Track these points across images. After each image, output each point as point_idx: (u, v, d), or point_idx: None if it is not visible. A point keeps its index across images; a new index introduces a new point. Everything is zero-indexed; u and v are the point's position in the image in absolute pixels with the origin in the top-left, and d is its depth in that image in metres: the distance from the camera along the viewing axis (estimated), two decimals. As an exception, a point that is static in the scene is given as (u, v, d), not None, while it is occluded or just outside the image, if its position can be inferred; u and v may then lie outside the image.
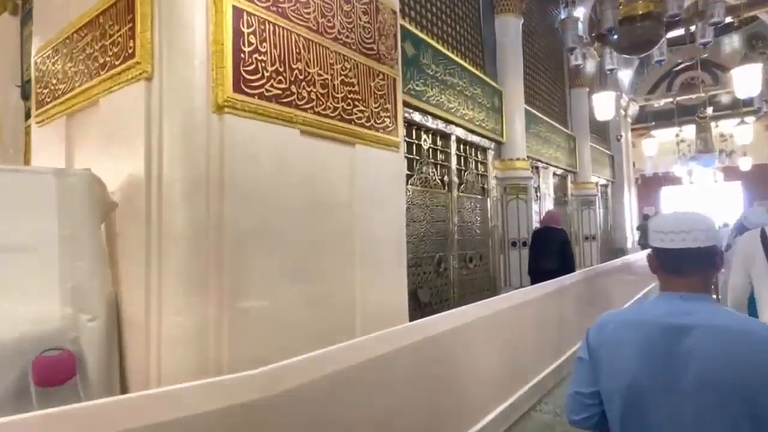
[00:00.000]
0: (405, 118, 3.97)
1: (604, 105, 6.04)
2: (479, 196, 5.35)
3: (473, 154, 5.32)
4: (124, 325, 2.17)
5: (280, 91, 2.37)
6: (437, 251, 4.43)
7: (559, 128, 8.00)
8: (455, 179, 4.76)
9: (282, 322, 2.30)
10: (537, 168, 7.21)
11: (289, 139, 2.43)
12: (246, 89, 2.20)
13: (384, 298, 3.06)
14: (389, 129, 3.19)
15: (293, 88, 2.44)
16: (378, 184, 3.07)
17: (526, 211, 5.70)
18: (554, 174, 8.00)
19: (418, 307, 4.06)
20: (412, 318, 3.93)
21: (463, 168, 5.07)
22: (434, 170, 4.51)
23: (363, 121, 2.94)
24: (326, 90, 2.66)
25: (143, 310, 2.04)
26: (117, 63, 2.22)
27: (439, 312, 4.30)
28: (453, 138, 4.75)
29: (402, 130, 3.37)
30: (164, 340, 1.99)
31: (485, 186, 5.48)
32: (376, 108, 3.07)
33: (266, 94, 2.30)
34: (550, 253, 4.89)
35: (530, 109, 6.77)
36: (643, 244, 11.34)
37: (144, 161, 2.07)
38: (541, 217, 5.63)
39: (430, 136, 4.49)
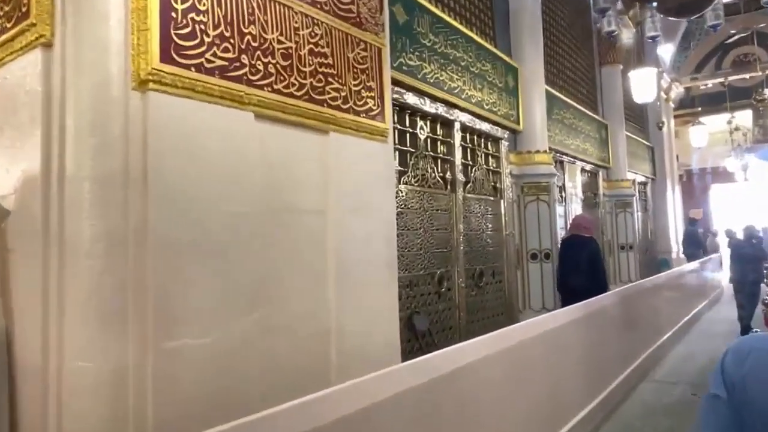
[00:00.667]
0: (395, 100, 3.79)
1: (643, 84, 5.88)
2: (491, 198, 5.17)
3: (483, 146, 5.14)
4: (17, 369, 1.95)
5: (226, 63, 2.18)
6: (438, 267, 4.23)
7: (587, 114, 7.86)
8: (460, 177, 4.58)
9: (230, 363, 2.10)
10: (561, 163, 7.05)
11: (240, 124, 2.25)
12: (179, 59, 2.01)
13: (368, 327, 2.87)
14: (373, 113, 3.01)
15: (244, 59, 2.26)
16: (359, 182, 2.89)
17: (548, 216, 5.52)
18: (582, 170, 7.85)
19: (414, 338, 3.86)
20: (406, 351, 3.75)
21: (470, 163, 4.89)
22: (434, 166, 4.32)
23: (339, 102, 2.76)
24: (289, 62, 2.48)
25: (39, 349, 1.83)
26: (9, 26, 2.02)
27: (441, 343, 4.14)
28: (457, 126, 4.58)
29: (391, 115, 3.18)
30: (66, 390, 1.78)
31: (498, 185, 5.30)
32: (355, 86, 2.89)
33: (207, 65, 2.11)
34: (578, 267, 4.73)
35: (552, 90, 6.62)
36: (691, 254, 11.21)
37: (41, 153, 1.86)
38: (569, 223, 5.45)
39: (428, 123, 4.31)
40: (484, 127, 5.04)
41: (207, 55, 2.11)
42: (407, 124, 4.05)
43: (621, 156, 8.95)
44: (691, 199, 15.93)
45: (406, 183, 3.95)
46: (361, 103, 2.93)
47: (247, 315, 2.20)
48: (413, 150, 4.08)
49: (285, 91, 2.47)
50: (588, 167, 8.00)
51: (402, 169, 3.94)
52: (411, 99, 3.96)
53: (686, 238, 11.68)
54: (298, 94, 2.53)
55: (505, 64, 5.38)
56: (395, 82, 3.70)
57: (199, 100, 2.08)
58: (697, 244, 11.45)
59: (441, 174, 4.42)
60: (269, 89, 2.38)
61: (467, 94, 4.65)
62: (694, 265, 8.85)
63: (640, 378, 4.78)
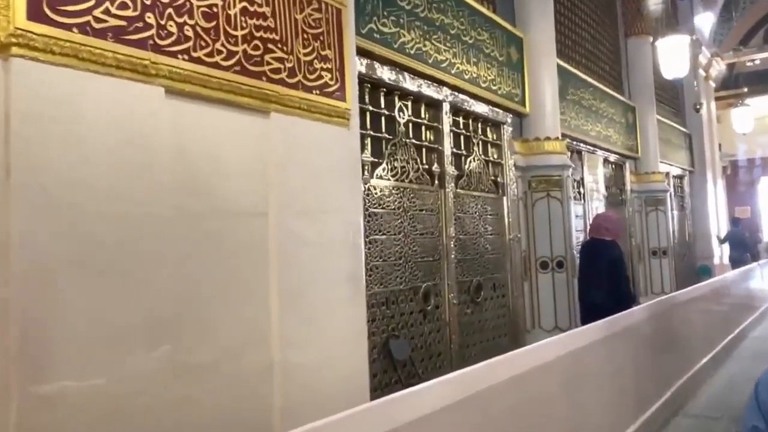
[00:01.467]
0: (365, 75, 3.59)
1: (673, 55, 5.68)
2: (490, 195, 4.96)
3: (480, 132, 4.94)
4: None
5: (123, 23, 1.97)
6: (423, 280, 4.02)
7: (610, 94, 7.67)
8: (450, 169, 4.37)
9: (128, 413, 1.88)
10: (579, 153, 6.86)
11: (145, 102, 2.04)
12: (55, 17, 1.80)
13: (325, 359, 2.66)
14: (330, 90, 2.80)
15: (150, 18, 2.05)
16: (312, 176, 2.68)
17: (562, 216, 5.32)
18: (605, 161, 7.66)
19: (392, 368, 3.64)
20: (382, 385, 3.55)
21: (464, 152, 4.68)
22: (417, 156, 4.11)
23: (283, 75, 2.56)
24: (214, 23, 2.27)
25: None
26: None
27: (427, 374, 3.93)
28: (446, 107, 4.37)
29: (355, 93, 2.98)
30: None
31: (499, 179, 5.10)
32: (306, 55, 2.68)
33: (96, 26, 1.90)
34: (597, 277, 4.52)
35: (566, 65, 6.43)
36: (736, 259, 11.04)
37: None
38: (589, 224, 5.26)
39: (409, 104, 4.10)
40: (481, 109, 4.84)
41: (96, 13, 1.90)
42: (382, 105, 3.84)
43: (652, 144, 8.77)
44: (735, 195, 15.77)
45: (380, 177, 3.74)
46: (314, 76, 2.73)
47: (153, 349, 1.99)
48: (390, 137, 3.87)
49: (208, 60, 2.25)
50: (612, 158, 7.81)
51: (375, 160, 3.73)
52: (386, 74, 3.76)
53: (730, 240, 11.50)
54: (226, 64, 2.32)
55: (507, 33, 5.18)
56: (363, 53, 3.50)
57: (86, 70, 1.87)
58: (743, 247, 11.27)
59: (426, 166, 4.21)
60: (185, 58, 2.17)
61: (459, 68, 4.44)
62: (740, 272, 8.66)
63: (675, 411, 4.58)
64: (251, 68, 2.42)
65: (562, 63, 6.30)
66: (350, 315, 2.85)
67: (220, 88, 2.31)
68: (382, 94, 3.84)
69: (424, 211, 4.10)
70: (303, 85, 2.67)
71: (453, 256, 4.31)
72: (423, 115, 4.25)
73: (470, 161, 4.74)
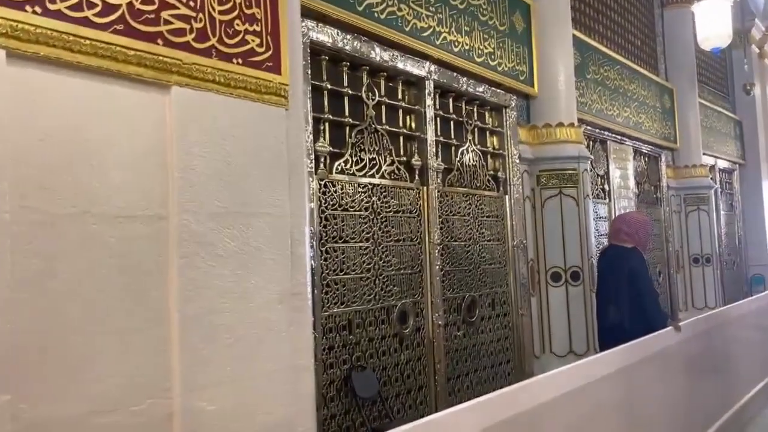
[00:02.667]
0: (320, 44, 3.24)
1: (711, 21, 5.24)
2: (489, 193, 4.59)
3: (475, 117, 4.57)
4: None
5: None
6: (399, 297, 3.67)
7: (642, 74, 7.26)
8: (434, 162, 4.01)
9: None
10: (603, 142, 6.47)
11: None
12: None
13: (251, 404, 2.32)
14: (259, 59, 2.46)
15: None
16: (233, 170, 2.34)
17: (578, 217, 4.94)
18: (636, 152, 7.25)
19: (356, 407, 3.29)
20: (342, 429, 3.20)
21: (454, 141, 4.32)
22: (391, 146, 3.77)
23: (189, 38, 2.21)
24: (82, -34, 1.93)
25: None
26: None
27: (404, 414, 3.58)
28: (429, 86, 4.01)
29: (297, 64, 2.65)
30: None
31: (500, 173, 4.72)
32: (223, 14, 2.34)
33: None
34: (616, 292, 4.14)
35: (586, 38, 6.03)
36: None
37: None
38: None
39: (381, 82, 3.76)
40: (477, 88, 4.47)
41: None
42: (344, 82, 3.49)
43: (693, 133, 8.34)
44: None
45: (342, 171, 3.39)
46: (235, 41, 2.38)
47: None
48: (356, 122, 3.52)
49: (73, 15, 1.91)
50: (644, 148, 7.40)
51: (336, 150, 3.38)
52: (349, 44, 3.40)
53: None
54: (102, 21, 1.98)
55: (511, -3, 4.81)
56: (316, 16, 3.16)
57: None
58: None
59: (404, 158, 3.85)
60: (38, 11, 1.83)
61: (446, 39, 4.08)
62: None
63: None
64: (141, 28, 2.08)
65: (580, 35, 5.92)
66: (286, 344, 2.51)
67: (94, 53, 1.96)
68: (344, 69, 3.49)
69: (400, 213, 3.75)
70: (218, 52, 2.33)
71: (438, 267, 3.94)
72: (400, 96, 3.90)
73: (462, 152, 4.37)
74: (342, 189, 3.36)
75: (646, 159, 7.63)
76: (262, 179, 2.47)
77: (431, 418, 2.48)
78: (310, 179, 3.08)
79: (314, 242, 3.08)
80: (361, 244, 3.45)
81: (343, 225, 3.35)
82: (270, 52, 2.52)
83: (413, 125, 4.00)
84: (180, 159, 2.20)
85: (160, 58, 2.14)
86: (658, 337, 3.91)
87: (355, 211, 3.43)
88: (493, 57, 4.55)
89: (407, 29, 3.73)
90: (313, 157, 3.12)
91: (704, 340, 4.90)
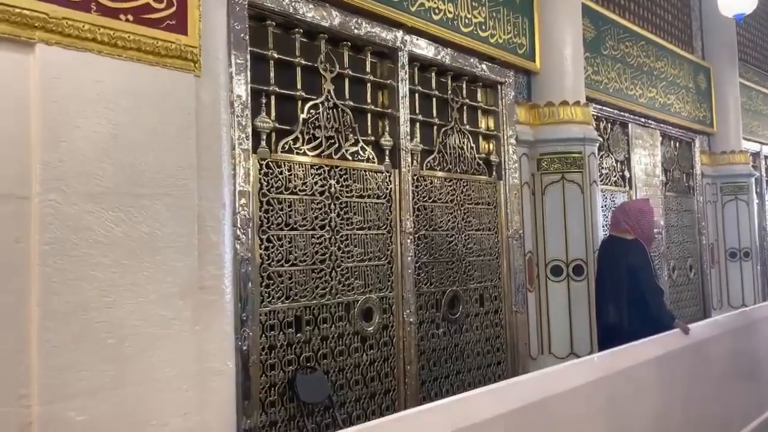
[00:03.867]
0: (263, 7, 2.90)
1: None
2: (479, 178, 4.20)
3: (464, 94, 4.16)
4: None
5: None
6: (362, 291, 3.34)
7: (672, 51, 6.67)
8: (408, 143, 3.63)
9: None
10: (624, 125, 5.95)
11: None
12: None
13: (137, 417, 2.03)
14: (157, 16, 2.16)
15: None
16: (121, 144, 2.04)
17: (582, 207, 4.49)
18: (665, 136, 6.68)
19: (301, 414, 2.97)
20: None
21: (436, 121, 3.94)
22: (354, 124, 3.41)
23: (56, -13, 1.92)
24: None
25: None
26: None
27: (365, 419, 3.25)
28: (403, 58, 3.62)
29: (211, 22, 2.34)
30: None
31: (493, 157, 4.31)
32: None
33: None
34: (614, 289, 3.73)
35: (600, 9, 5.53)
36: None
37: None
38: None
39: (344, 51, 3.40)
40: (464, 62, 4.06)
41: None
42: (296, 52, 3.14)
43: (733, 116, 7.69)
44: None
45: (291, 150, 3.05)
46: (123, -6, 2.07)
47: None
48: (312, 97, 3.18)
49: None
50: (673, 132, 6.82)
51: (283, 126, 3.04)
52: (299, 7, 3.05)
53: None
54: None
55: (506, -39, 4.37)
56: None
57: None
58: None
59: (371, 138, 3.49)
60: None
61: (423, 5, 3.68)
62: None
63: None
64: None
65: (595, 7, 5.43)
66: (190, 345, 2.20)
67: None
68: (297, 36, 3.14)
69: (365, 198, 3.39)
70: (100, 6, 2.02)
71: (411, 258, 3.58)
72: (369, 69, 3.52)
73: (446, 133, 3.97)
74: (290, 170, 3.03)
75: (677, 144, 7.04)
76: (161, 155, 2.16)
77: (391, 418, 2.23)
78: (246, 158, 2.76)
79: (250, 230, 2.75)
80: (313, 232, 3.11)
81: (291, 210, 3.01)
82: (172, 9, 2.21)
83: (386, 102, 3.63)
84: (45, 129, 1.91)
85: (19, 11, 1.85)
86: (661, 340, 3.49)
87: (306, 195, 3.09)
88: (483, 27, 4.12)
89: (374, -9, 3.35)
90: (249, 133, 2.78)
91: (739, 337, 4.46)
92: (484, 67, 4.21)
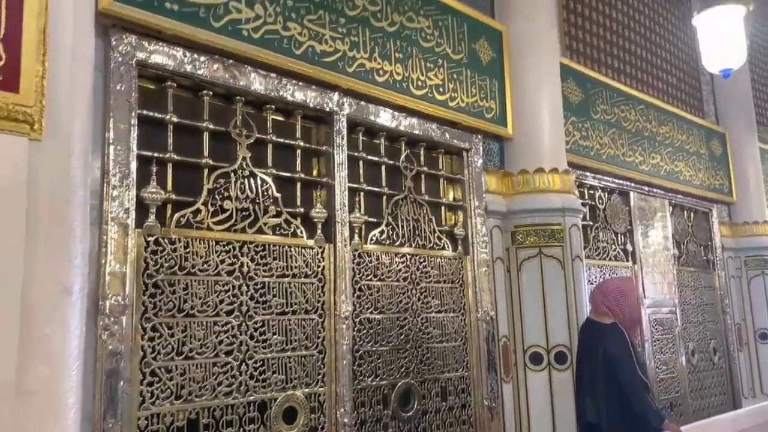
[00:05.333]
0: (157, 66, 2.62)
1: (718, 36, 4.22)
2: (441, 253, 3.77)
3: (421, 161, 3.80)
4: None
5: None
6: (283, 387, 2.89)
7: (676, 114, 6.23)
8: (346, 215, 3.24)
9: None
10: (623, 194, 5.46)
11: None
12: None
13: None
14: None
15: None
16: None
17: (563, 286, 3.99)
18: (675, 206, 6.14)
19: None
20: None
21: (386, 190, 3.57)
22: (277, 194, 3.06)
23: None
24: None
25: None
26: None
27: None
28: (340, 122, 3.29)
29: (60, 80, 2.05)
30: None
31: (457, 230, 3.88)
32: None
33: None
34: (591, 382, 3.18)
35: (588, 71, 5.17)
36: None
37: None
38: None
39: (267, 115, 3.10)
40: (421, 127, 3.71)
41: None
42: (205, 115, 2.83)
43: (754, 183, 7.12)
44: None
45: (189, 224, 2.69)
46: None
47: None
48: (220, 164, 2.84)
49: None
50: (685, 201, 6.28)
51: (182, 198, 2.70)
52: (204, 67, 2.75)
53: None
54: None
55: (470, 20, 4.07)
56: (141, 30, 2.53)
57: None
58: None
59: (299, 209, 3.11)
60: None
61: (364, 65, 3.37)
62: None
63: None
64: None
65: (581, 69, 5.07)
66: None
67: None
68: (206, 99, 2.84)
69: (289, 278, 2.98)
70: None
71: (347, 346, 3.11)
72: (299, 134, 3.19)
73: (397, 203, 3.58)
74: (187, 247, 2.65)
75: (691, 214, 6.47)
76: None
77: None
78: (123, 234, 2.40)
79: (125, 317, 2.36)
80: (216, 318, 2.70)
81: (187, 293, 2.62)
82: (0, 63, 1.91)
83: (322, 170, 3.27)
84: None
85: None
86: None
87: (208, 275, 2.70)
88: (441, 90, 3.78)
89: (298, 52, 3.05)
90: (131, 205, 2.43)
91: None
92: (444, 132, 3.85)
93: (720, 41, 4.22)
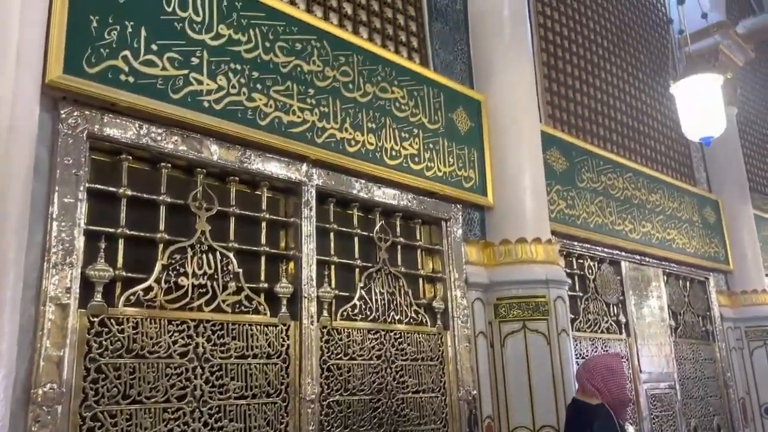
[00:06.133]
0: (111, 139, 2.53)
1: (697, 105, 4.16)
2: (418, 328, 3.61)
3: (397, 232, 3.68)
4: None
5: None
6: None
7: (666, 182, 6.15)
8: (314, 291, 3.09)
9: None
10: (614, 263, 5.31)
11: None
12: None
13: None
14: None
15: None
16: None
17: (549, 361, 3.79)
18: (669, 275, 5.97)
19: None
20: None
21: (358, 263, 3.44)
22: (232, 270, 2.94)
23: None
24: None
25: None
26: None
27: None
28: (308, 193, 3.18)
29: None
30: None
31: (436, 303, 3.72)
32: None
33: None
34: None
35: (572, 140, 5.12)
36: None
37: None
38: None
39: (231, 187, 3.01)
40: (395, 198, 3.60)
41: None
42: (162, 189, 2.73)
43: (750, 251, 6.99)
44: None
45: (142, 303, 2.54)
46: None
47: None
48: (177, 239, 2.72)
49: None
50: (680, 270, 6.11)
51: (136, 275, 2.55)
52: (164, 139, 2.67)
53: None
54: None
55: (448, 91, 4.04)
56: (94, 104, 2.46)
57: None
58: None
59: (262, 285, 2.96)
60: None
61: (334, 136, 3.30)
62: None
63: None
64: None
65: (566, 137, 5.02)
66: None
67: None
68: (164, 171, 2.74)
69: (249, 359, 2.80)
70: None
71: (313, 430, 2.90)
72: (265, 206, 3.08)
73: (371, 276, 3.44)
74: (136, 327, 2.48)
75: (687, 283, 6.29)
76: None
77: None
78: (63, 315, 2.25)
79: (61, 406, 2.18)
80: (166, 405, 2.51)
81: (134, 379, 2.44)
82: None
83: (291, 243, 3.14)
84: None
85: None
86: None
87: (158, 357, 2.53)
88: (416, 159, 3.70)
89: (263, 123, 2.97)
90: (76, 285, 2.29)
91: None
92: (421, 202, 3.74)
93: (699, 110, 4.16)
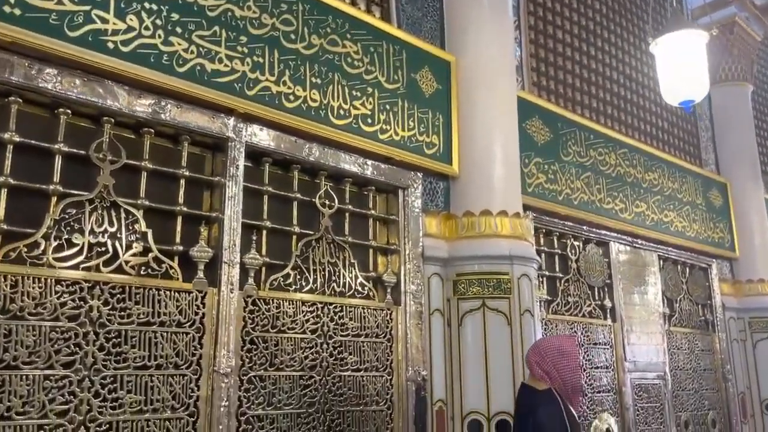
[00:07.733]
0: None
1: (678, 65, 3.76)
2: (362, 302, 3.34)
3: (346, 199, 3.41)
4: None
5: None
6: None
7: (665, 160, 5.75)
8: (238, 256, 2.83)
9: None
10: (601, 244, 4.98)
11: None
12: None
13: None
14: None
15: None
16: None
17: (509, 343, 3.51)
18: (666, 260, 5.61)
19: None
20: None
21: (296, 230, 3.17)
22: (132, 227, 2.70)
23: None
24: None
25: None
26: None
27: None
28: (233, 148, 2.91)
29: None
30: None
31: (386, 277, 3.45)
32: None
33: None
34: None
35: (558, 110, 4.77)
36: None
37: None
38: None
39: (145, 139, 2.76)
40: (340, 161, 3.32)
41: None
42: (59, 137, 2.49)
43: (759, 238, 6.57)
44: None
45: (23, 260, 2.31)
46: None
47: None
48: (73, 192, 2.48)
49: None
50: (678, 255, 5.73)
51: (23, 229, 2.32)
52: (57, 82, 2.42)
53: None
54: None
55: (409, 49, 3.73)
56: None
57: None
58: None
59: (176, 247, 2.72)
60: None
61: (270, 90, 3.02)
62: None
63: None
64: None
65: (550, 107, 4.67)
66: None
67: None
68: (63, 117, 2.49)
69: (154, 326, 2.56)
70: None
71: (226, 409, 2.65)
72: (185, 162, 2.83)
73: (310, 245, 3.17)
74: (42, 288, 2.27)
75: (686, 269, 5.91)
76: None
77: None
78: None
79: None
80: (49, 372, 2.28)
81: (8, 342, 2.21)
82: None
83: (215, 204, 2.89)
84: None
85: None
86: None
87: (42, 319, 2.29)
88: (369, 121, 3.41)
89: (181, 70, 2.71)
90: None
91: None
92: (375, 168, 3.45)
93: (679, 71, 3.78)
